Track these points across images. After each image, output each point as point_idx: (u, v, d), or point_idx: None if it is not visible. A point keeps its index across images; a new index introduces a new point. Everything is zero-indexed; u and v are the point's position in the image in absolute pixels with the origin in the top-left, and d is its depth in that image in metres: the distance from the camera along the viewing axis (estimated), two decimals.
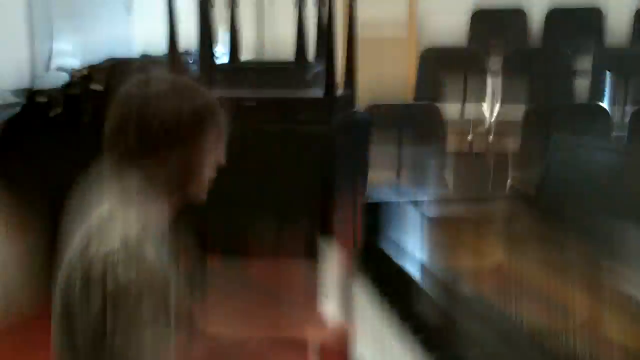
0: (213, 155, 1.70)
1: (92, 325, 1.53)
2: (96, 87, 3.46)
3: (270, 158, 3.37)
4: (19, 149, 3.69)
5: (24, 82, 3.77)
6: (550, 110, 4.40)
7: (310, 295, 2.34)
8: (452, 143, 4.97)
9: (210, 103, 1.70)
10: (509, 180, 2.46)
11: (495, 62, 5.48)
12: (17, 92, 3.70)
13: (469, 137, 5.27)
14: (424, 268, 1.95)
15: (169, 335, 1.55)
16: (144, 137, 1.62)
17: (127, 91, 1.67)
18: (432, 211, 2.24)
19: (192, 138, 1.65)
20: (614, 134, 4.32)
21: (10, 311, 3.87)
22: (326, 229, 3.33)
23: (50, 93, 3.64)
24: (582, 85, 5.24)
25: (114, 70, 3.58)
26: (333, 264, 2.27)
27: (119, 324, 1.50)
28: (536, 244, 1.93)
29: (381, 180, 4.94)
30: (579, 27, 5.63)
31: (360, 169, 3.72)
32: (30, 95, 3.69)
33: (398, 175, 4.68)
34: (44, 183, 3.60)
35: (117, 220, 1.56)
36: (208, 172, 1.71)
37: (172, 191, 1.66)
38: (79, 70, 3.62)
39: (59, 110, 3.56)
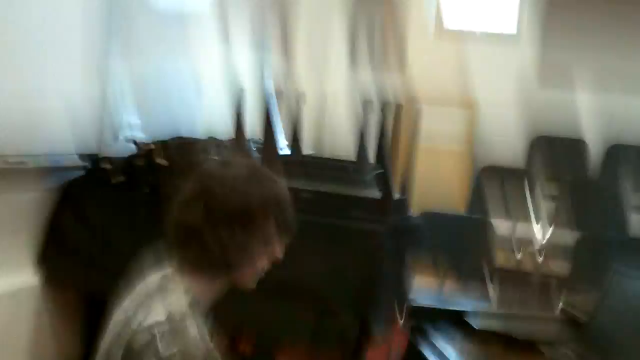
0: (271, 248, 1.72)
1: None
2: (161, 161, 3.54)
3: (324, 251, 3.38)
4: (78, 209, 3.77)
5: (91, 148, 3.88)
6: (605, 239, 4.37)
7: None
8: (500, 259, 4.95)
9: (282, 195, 1.73)
10: (560, 303, 2.44)
11: (552, 187, 5.49)
12: (83, 157, 3.80)
13: (518, 256, 5.24)
14: None
15: None
16: (211, 213, 1.65)
17: (206, 168, 1.72)
18: (476, 323, 2.23)
19: (256, 224, 1.66)
20: None
21: None
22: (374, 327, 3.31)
23: (115, 161, 3.74)
24: (637, 221, 5.21)
25: (180, 147, 3.67)
26: None
27: None
28: None
29: (426, 286, 4.92)
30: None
31: (409, 272, 3.72)
32: (96, 160, 3.78)
33: (443, 283, 4.65)
34: (99, 244, 3.67)
35: (164, 293, 1.59)
36: (262, 263, 1.72)
37: (223, 272, 1.68)
38: (146, 144, 3.71)
39: (121, 178, 3.64)
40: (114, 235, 3.63)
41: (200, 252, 1.64)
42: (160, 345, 1.50)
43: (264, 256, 1.72)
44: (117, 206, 3.68)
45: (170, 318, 1.54)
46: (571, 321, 2.34)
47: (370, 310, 3.36)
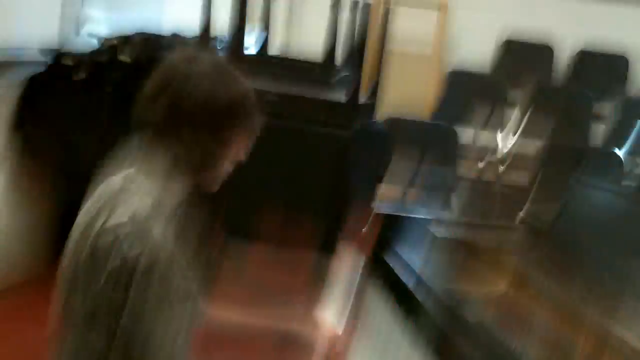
0: (236, 150, 1.68)
1: (94, 299, 1.50)
2: (124, 58, 3.47)
3: (287, 154, 3.37)
4: (39, 106, 3.70)
5: (52, 43, 3.78)
6: (567, 150, 4.41)
7: (316, 289, 2.33)
8: (462, 167, 4.99)
9: (247, 95, 1.67)
10: (520, 213, 2.46)
11: (517, 95, 5.51)
12: (44, 52, 3.71)
13: (480, 165, 5.29)
14: (427, 287, 1.95)
15: (173, 316, 1.53)
16: (174, 112, 1.60)
17: (170, 63, 1.66)
18: (438, 231, 2.25)
19: (221, 126, 1.62)
20: (624, 182, 4.33)
21: (13, 272, 3.88)
22: (338, 230, 3.34)
23: (77, 57, 3.65)
24: (600, 130, 5.26)
25: (143, 44, 3.59)
26: (344, 264, 2.26)
27: (121, 302, 1.47)
28: (544, 276, 1.94)
29: (390, 194, 4.95)
30: (604, 72, 5.67)
31: (373, 178, 3.73)
32: (57, 56, 3.69)
33: (407, 191, 4.69)
34: (59, 143, 3.62)
35: (128, 194, 1.54)
36: (227, 165, 1.69)
37: (187, 174, 1.65)
38: (108, 40, 3.63)
39: (83, 75, 3.57)
40: (76, 134, 3.59)
41: (163, 152, 1.61)
42: (124, 246, 1.47)
43: (228, 158, 1.68)
44: (78, 104, 3.61)
45: (133, 219, 1.50)
46: (532, 229, 2.37)
47: (334, 217, 3.40)
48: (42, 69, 3.73)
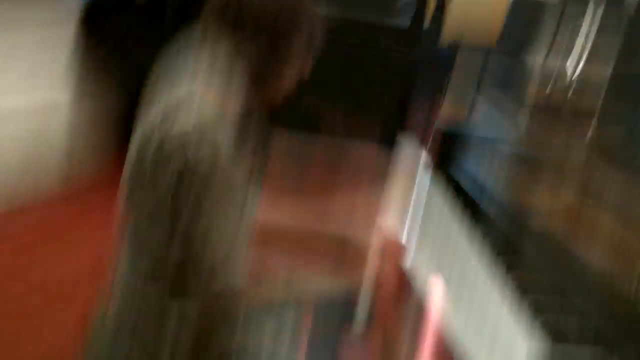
0: (298, 62, 1.69)
1: (159, 198, 1.58)
2: None
3: (349, 78, 3.36)
4: (101, 28, 3.73)
5: None
6: (636, 75, 4.29)
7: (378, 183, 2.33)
8: (530, 95, 4.90)
9: (311, 9, 1.68)
10: (587, 134, 2.42)
11: (586, 20, 5.36)
12: None
13: (547, 91, 5.19)
14: (492, 198, 1.93)
15: (230, 217, 1.61)
16: (238, 22, 1.63)
17: None
18: (504, 148, 2.23)
19: (284, 35, 1.64)
20: None
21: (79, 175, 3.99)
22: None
23: None
24: None
25: None
26: (406, 163, 2.24)
27: (183, 201, 1.55)
28: (613, 193, 1.91)
29: (453, 112, 4.90)
30: None
31: (435, 99, 3.70)
32: None
33: (471, 111, 4.63)
34: (122, 64, 3.67)
35: (195, 102, 1.59)
36: (289, 78, 1.70)
37: (248, 88, 1.67)
38: None
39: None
40: (137, 58, 3.61)
41: (225, 65, 1.63)
42: (188, 152, 1.53)
43: (292, 71, 1.70)
44: (141, 29, 3.64)
45: (197, 127, 1.55)
46: (598, 149, 2.33)
47: (397, 141, 3.37)
48: None
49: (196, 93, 1.62)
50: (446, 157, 2.29)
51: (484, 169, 2.16)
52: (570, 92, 4.33)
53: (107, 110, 4.05)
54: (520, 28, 5.31)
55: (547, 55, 4.99)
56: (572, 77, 4.60)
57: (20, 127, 3.60)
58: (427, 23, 3.69)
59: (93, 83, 3.80)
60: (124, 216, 1.70)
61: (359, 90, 3.35)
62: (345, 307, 2.01)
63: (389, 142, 3.27)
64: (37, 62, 3.66)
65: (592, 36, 4.70)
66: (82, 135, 3.97)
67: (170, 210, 1.58)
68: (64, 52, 3.79)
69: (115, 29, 3.74)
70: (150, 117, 1.64)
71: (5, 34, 3.45)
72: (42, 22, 3.62)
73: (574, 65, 4.65)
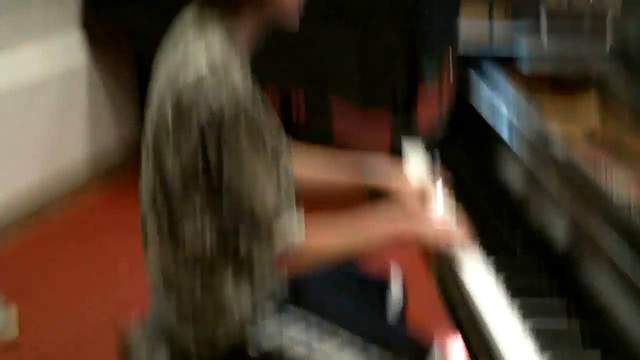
0: None
1: (190, 158, 1.54)
2: None
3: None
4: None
5: None
6: None
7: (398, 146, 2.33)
8: (549, 2, 4.76)
9: None
10: (608, 42, 2.37)
11: None
12: None
13: None
14: (514, 128, 1.92)
15: (269, 162, 1.56)
16: None
17: None
18: (525, 68, 2.20)
19: None
20: None
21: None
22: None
23: None
24: None
25: None
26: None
27: (218, 155, 1.51)
28: (631, 109, 1.89)
29: (473, 36, 4.81)
30: None
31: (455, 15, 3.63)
32: None
33: (491, 34, 4.53)
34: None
35: (201, 45, 1.55)
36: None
37: (255, 10, 1.61)
38: None
39: None
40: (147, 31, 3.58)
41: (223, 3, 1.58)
42: (208, 98, 1.50)
43: None
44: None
45: (212, 68, 1.52)
46: (622, 55, 2.29)
47: (420, 55, 3.33)
48: None
49: (201, 35, 1.58)
50: (467, 85, 2.27)
51: (506, 95, 2.14)
52: None
53: (129, 73, 4.04)
54: None
55: None
56: None
57: (42, 99, 3.58)
58: None
59: (108, 34, 3.78)
60: (153, 190, 1.64)
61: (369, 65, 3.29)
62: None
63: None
64: (50, 31, 3.61)
65: None
66: (104, 103, 3.97)
67: (207, 170, 1.55)
68: (74, 22, 3.74)
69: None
70: (165, 68, 1.61)
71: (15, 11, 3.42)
72: None
73: None
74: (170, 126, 1.55)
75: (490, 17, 4.19)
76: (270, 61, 3.38)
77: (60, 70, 3.69)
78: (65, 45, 3.76)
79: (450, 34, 3.53)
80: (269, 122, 1.63)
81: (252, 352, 1.69)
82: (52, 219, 3.69)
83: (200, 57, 1.53)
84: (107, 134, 4.06)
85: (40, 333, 2.88)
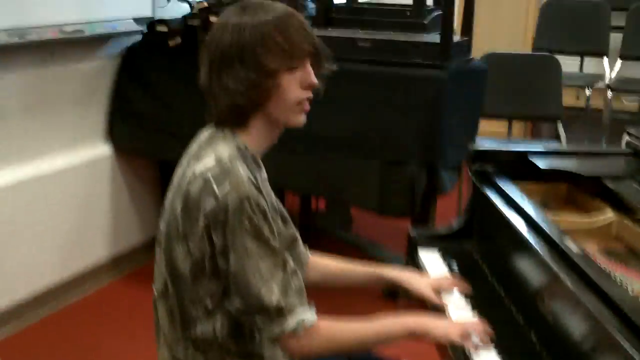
0: (293, 75, 1.63)
1: (198, 245, 1.59)
2: (216, 19, 3.50)
3: (383, 98, 3.36)
4: (139, 76, 3.80)
5: (146, 11, 3.86)
6: None
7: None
8: (568, 97, 4.84)
9: (284, 18, 1.61)
10: (625, 137, 2.38)
11: (618, 17, 5.29)
12: (139, 21, 3.80)
13: (587, 92, 5.13)
14: (530, 220, 1.91)
15: (275, 250, 1.58)
16: (210, 58, 1.62)
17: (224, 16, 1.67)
18: (541, 163, 2.20)
19: (255, 56, 1.58)
20: None
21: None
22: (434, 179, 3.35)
23: (170, 23, 3.72)
24: None
25: (236, 3, 3.61)
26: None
27: (224, 241, 1.55)
28: None
29: (492, 129, 4.87)
30: None
31: (473, 116, 3.68)
32: (151, 24, 3.78)
33: (510, 125, 4.60)
34: (161, 107, 3.73)
35: (214, 142, 1.64)
36: (295, 94, 1.64)
37: (254, 116, 1.64)
38: (200, 2, 3.67)
39: (178, 40, 3.63)
40: (175, 98, 3.68)
41: (223, 99, 1.62)
42: (214, 187, 1.55)
43: (289, 86, 1.63)
44: (176, 69, 3.69)
45: (219, 161, 1.59)
46: (637, 154, 2.29)
47: (436, 157, 3.37)
48: (138, 38, 3.84)
49: (215, 136, 1.67)
50: (484, 176, 2.27)
51: (521, 188, 2.14)
52: (612, 92, 4.26)
53: (151, 165, 4.12)
54: (555, 30, 5.25)
55: (582, 55, 4.91)
56: (610, 75, 4.51)
57: (68, 187, 3.64)
58: (457, 35, 3.66)
59: (131, 135, 3.86)
60: (164, 278, 1.70)
61: (393, 119, 3.36)
62: None
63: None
64: (78, 116, 3.71)
65: (628, 31, 4.61)
66: (126, 191, 4.03)
67: (213, 256, 1.59)
68: (102, 102, 3.86)
69: (152, 71, 3.80)
70: (180, 165, 1.71)
71: (46, 94, 3.51)
72: (83, 75, 3.70)
73: (613, 63, 4.56)
74: (179, 216, 1.62)
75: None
76: (293, 175, 3.49)
77: (85, 176, 3.75)
78: (92, 153, 3.83)
79: (467, 133, 3.59)
80: (279, 228, 1.66)
81: None
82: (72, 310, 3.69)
83: (209, 159, 1.61)
84: (129, 234, 4.08)
85: None
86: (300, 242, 1.93)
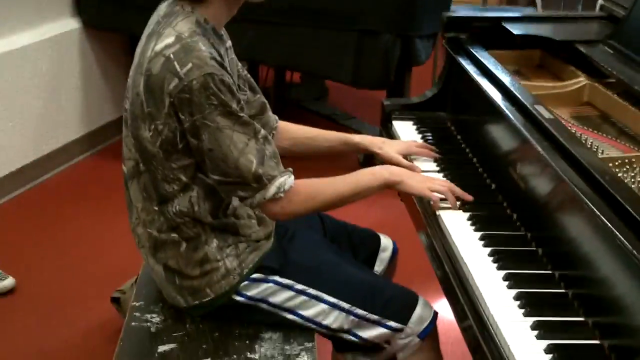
0: None
1: (167, 125, 1.58)
2: None
3: None
4: None
5: None
6: None
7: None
8: None
9: None
10: (599, 0, 2.35)
11: None
12: None
13: None
14: (503, 87, 1.90)
15: (247, 123, 1.58)
16: None
17: None
18: (515, 28, 2.17)
19: None
20: None
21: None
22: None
23: None
24: None
25: None
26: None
27: (191, 119, 1.54)
28: (622, 70, 1.86)
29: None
30: None
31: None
32: None
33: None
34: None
35: (173, 19, 1.60)
36: None
37: None
38: None
39: None
40: None
41: None
42: (176, 65, 1.53)
43: None
44: None
45: (178, 38, 1.56)
46: (611, 18, 2.26)
47: (411, 27, 3.32)
48: None
49: (173, 9, 1.63)
50: (455, 43, 2.24)
51: (494, 54, 2.12)
52: None
53: (119, 39, 4.05)
54: None
55: None
56: None
57: (36, 64, 3.57)
58: None
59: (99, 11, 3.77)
60: (133, 163, 1.69)
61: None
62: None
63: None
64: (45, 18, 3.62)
65: None
66: (95, 65, 3.96)
67: (183, 136, 1.58)
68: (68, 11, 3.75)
69: None
70: (140, 42, 1.67)
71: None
72: None
73: None
74: (142, 96, 1.60)
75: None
76: (268, 48, 3.43)
77: (53, 52, 3.67)
78: (59, 29, 3.74)
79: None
80: (248, 97, 1.72)
81: (237, 297, 1.74)
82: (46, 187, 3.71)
83: (169, 36, 1.58)
84: (101, 110, 4.05)
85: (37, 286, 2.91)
86: (268, 108, 1.93)
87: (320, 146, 2.03)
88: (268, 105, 1.94)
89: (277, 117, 1.99)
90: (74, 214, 3.44)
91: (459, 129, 2.17)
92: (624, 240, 1.23)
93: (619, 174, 1.53)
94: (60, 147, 3.79)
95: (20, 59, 3.47)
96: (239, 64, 1.84)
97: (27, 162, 3.59)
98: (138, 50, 1.66)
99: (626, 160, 1.60)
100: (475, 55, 2.11)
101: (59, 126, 3.77)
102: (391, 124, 2.27)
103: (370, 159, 3.64)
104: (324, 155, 2.05)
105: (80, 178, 3.79)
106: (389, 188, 1.76)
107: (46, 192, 3.64)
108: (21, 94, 3.50)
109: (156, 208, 1.69)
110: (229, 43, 1.76)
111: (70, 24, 3.79)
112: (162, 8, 1.67)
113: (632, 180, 1.54)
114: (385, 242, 2.08)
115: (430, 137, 2.15)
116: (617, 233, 1.25)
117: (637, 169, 1.58)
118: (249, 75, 1.88)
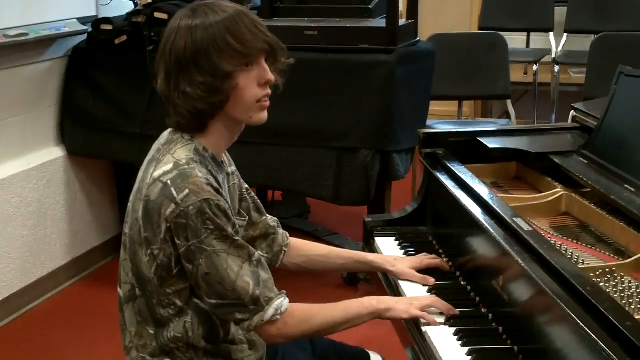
0: (249, 75, 1.63)
1: (163, 251, 1.60)
2: (160, 15, 3.48)
3: (332, 87, 3.37)
4: (86, 77, 3.77)
5: (90, 11, 3.83)
6: (619, 38, 4.28)
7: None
8: (516, 72, 4.88)
9: (230, 17, 1.60)
10: (571, 112, 2.42)
11: None
12: (83, 20, 3.76)
13: (534, 67, 5.19)
14: (481, 201, 1.93)
15: (241, 247, 1.60)
16: (166, 67, 1.62)
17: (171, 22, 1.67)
18: (491, 143, 2.22)
19: (208, 59, 1.58)
20: None
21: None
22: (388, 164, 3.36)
23: (115, 21, 3.68)
24: None
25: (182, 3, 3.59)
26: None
27: (187, 244, 1.56)
28: (597, 180, 1.91)
29: (443, 109, 4.91)
30: None
31: (423, 98, 3.70)
32: (96, 23, 3.74)
33: (460, 105, 4.64)
34: (111, 109, 3.70)
35: (172, 147, 1.64)
36: (252, 92, 1.64)
37: (215, 118, 1.65)
38: None
39: (124, 38, 3.60)
40: (124, 97, 3.65)
41: (182, 105, 1.62)
42: (173, 190, 1.56)
43: (249, 81, 1.63)
44: (123, 67, 3.66)
45: (176, 164, 1.60)
46: (583, 128, 2.33)
47: (389, 142, 3.39)
48: (83, 38, 3.80)
49: (175, 134, 1.68)
50: (432, 159, 2.29)
51: (471, 168, 2.16)
52: (559, 66, 4.30)
53: (106, 166, 4.11)
54: (500, 8, 5.29)
55: (528, 31, 4.93)
56: (557, 50, 4.54)
57: (22, 193, 3.60)
58: (403, 19, 3.68)
59: (83, 138, 3.83)
60: (129, 287, 1.72)
61: (346, 106, 3.37)
62: None
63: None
64: (28, 121, 3.68)
65: (573, 4, 4.63)
66: (82, 193, 4.00)
67: (179, 261, 1.61)
68: (51, 105, 3.82)
69: (99, 70, 3.78)
70: (141, 169, 1.71)
71: None
72: (30, 78, 3.65)
73: (558, 37, 4.57)
74: (141, 221, 1.63)
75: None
76: (249, 168, 3.49)
77: (39, 181, 3.71)
78: (44, 158, 3.79)
79: (418, 116, 3.62)
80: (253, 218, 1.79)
81: None
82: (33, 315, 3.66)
83: (168, 163, 1.62)
84: (87, 236, 4.06)
85: None
86: (278, 226, 1.99)
87: (334, 264, 2.05)
88: (278, 223, 1.99)
89: (287, 234, 2.01)
90: (60, 343, 3.39)
91: (441, 243, 2.19)
92: (610, 353, 1.24)
93: (601, 284, 1.55)
94: (46, 275, 3.77)
95: (6, 189, 3.49)
96: (245, 187, 1.89)
97: (13, 291, 3.56)
98: (139, 176, 1.70)
99: (607, 270, 1.63)
100: (452, 170, 2.15)
101: (45, 253, 3.76)
102: (373, 240, 2.29)
103: (354, 277, 3.67)
104: (331, 271, 2.08)
105: (67, 305, 3.75)
106: (380, 318, 1.76)
107: (32, 320, 3.60)
108: (7, 223, 3.51)
109: (152, 332, 1.69)
110: (231, 169, 1.82)
111: (55, 152, 3.83)
112: (163, 136, 1.72)
113: (615, 289, 1.56)
114: (375, 359, 2.07)
115: (412, 252, 2.16)
116: (603, 345, 1.26)
117: (618, 277, 1.61)
118: (256, 198, 1.93)
